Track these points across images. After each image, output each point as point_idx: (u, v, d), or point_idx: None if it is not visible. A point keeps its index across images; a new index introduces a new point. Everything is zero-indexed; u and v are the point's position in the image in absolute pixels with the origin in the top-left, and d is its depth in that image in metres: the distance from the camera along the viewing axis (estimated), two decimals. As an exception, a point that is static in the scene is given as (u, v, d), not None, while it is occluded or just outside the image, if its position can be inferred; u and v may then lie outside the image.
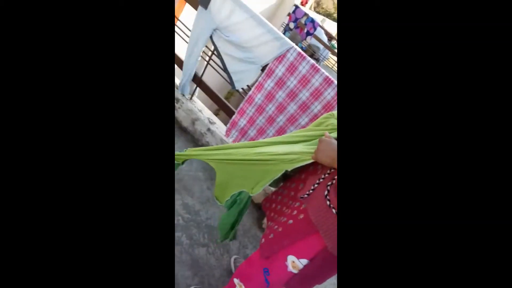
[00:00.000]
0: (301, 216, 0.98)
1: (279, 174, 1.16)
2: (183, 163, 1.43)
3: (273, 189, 2.01)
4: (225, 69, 1.99)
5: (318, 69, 1.70)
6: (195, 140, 2.19)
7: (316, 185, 0.92)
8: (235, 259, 1.58)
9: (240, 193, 1.29)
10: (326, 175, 0.91)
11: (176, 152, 1.35)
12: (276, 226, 1.14)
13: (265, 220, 1.97)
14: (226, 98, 2.09)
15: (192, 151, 1.32)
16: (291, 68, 1.79)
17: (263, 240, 1.15)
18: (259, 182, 1.22)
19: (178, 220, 1.60)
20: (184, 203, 1.70)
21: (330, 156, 0.85)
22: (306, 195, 0.93)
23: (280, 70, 1.81)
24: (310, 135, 1.11)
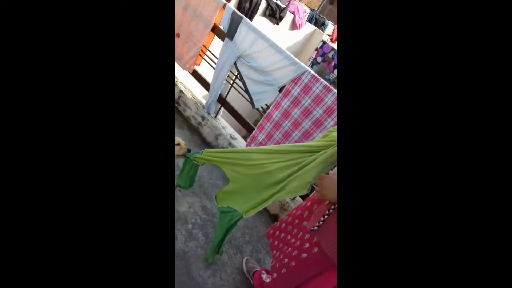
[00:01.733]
0: (315, 249, 0.97)
1: (269, 202, 1.29)
2: (202, 164, 1.62)
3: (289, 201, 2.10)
4: (246, 90, 2.25)
5: (331, 89, 1.88)
6: (217, 154, 2.41)
7: (326, 216, 0.89)
8: (246, 260, 1.66)
9: (235, 210, 1.42)
10: (335, 206, 0.88)
11: (195, 154, 1.56)
12: (286, 260, 1.17)
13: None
14: (255, 123, 2.30)
15: (209, 153, 1.51)
16: (306, 89, 1.98)
17: (275, 275, 1.19)
18: (256, 207, 1.36)
19: (196, 219, 1.75)
20: (203, 205, 1.86)
21: (335, 191, 0.84)
22: (316, 227, 0.90)
23: (295, 91, 2.02)
24: (317, 145, 1.18)
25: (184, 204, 1.79)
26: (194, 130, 2.52)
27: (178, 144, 1.74)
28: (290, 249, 1.21)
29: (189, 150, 1.72)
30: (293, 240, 1.22)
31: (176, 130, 2.38)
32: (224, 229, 1.45)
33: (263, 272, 1.55)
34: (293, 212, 1.36)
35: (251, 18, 3.69)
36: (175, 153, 1.73)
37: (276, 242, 1.34)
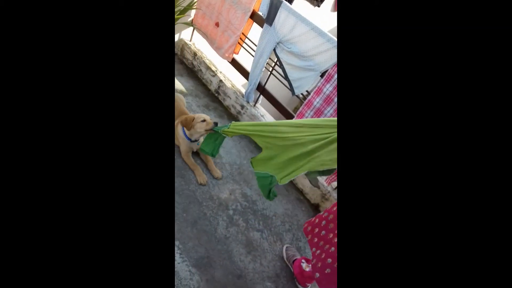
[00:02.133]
0: None
1: (303, 171, 1.30)
2: (231, 136, 1.63)
3: (325, 178, 2.06)
4: (286, 77, 2.19)
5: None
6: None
7: None
8: (287, 248, 1.66)
9: (272, 176, 1.47)
10: None
11: (223, 128, 1.58)
12: (330, 260, 1.16)
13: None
14: (294, 111, 2.26)
15: (236, 126, 1.51)
16: (349, 73, 1.87)
17: (317, 274, 1.20)
18: (290, 175, 1.37)
19: (237, 205, 1.79)
20: (243, 193, 1.89)
21: None
22: None
23: (338, 75, 1.91)
24: None
25: (225, 191, 1.84)
26: (234, 119, 2.55)
27: (204, 120, 1.79)
28: (333, 248, 1.19)
29: (216, 124, 1.76)
30: (335, 240, 1.19)
31: (217, 119, 2.44)
32: (267, 190, 1.53)
33: (303, 260, 1.53)
34: (329, 208, 1.32)
35: (290, 1, 3.56)
36: (203, 128, 1.80)
37: (316, 240, 1.31)
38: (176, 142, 1.95)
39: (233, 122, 1.52)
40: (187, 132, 1.84)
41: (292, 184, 2.19)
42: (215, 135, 1.71)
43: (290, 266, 1.59)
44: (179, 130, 1.90)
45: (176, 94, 2.19)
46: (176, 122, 1.94)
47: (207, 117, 1.80)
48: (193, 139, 1.88)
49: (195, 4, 2.63)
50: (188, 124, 1.79)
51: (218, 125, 1.74)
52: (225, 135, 1.61)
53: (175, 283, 1.29)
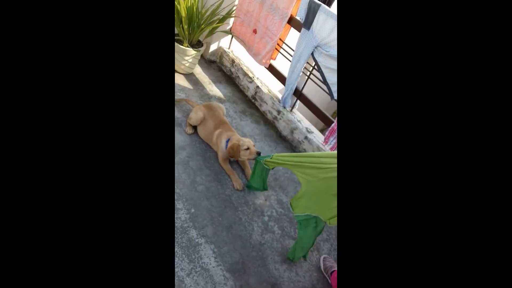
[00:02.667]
0: None
1: None
2: (272, 168, 1.62)
3: None
4: (324, 81, 2.13)
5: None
6: (293, 147, 2.37)
7: None
8: (324, 258, 1.59)
9: (315, 217, 1.35)
10: None
11: (265, 158, 1.57)
12: None
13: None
14: (333, 116, 2.19)
15: (279, 157, 1.49)
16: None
17: None
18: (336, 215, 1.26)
19: (272, 212, 1.76)
20: (279, 199, 1.86)
21: None
22: None
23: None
24: None
25: (261, 197, 1.83)
26: (270, 125, 2.55)
27: (248, 149, 1.78)
28: None
29: (258, 154, 1.75)
30: None
31: (253, 125, 2.45)
32: (312, 237, 1.40)
33: None
34: None
35: (329, 4, 3.49)
36: (246, 157, 1.81)
37: None
38: (214, 148, 2.00)
39: (275, 153, 1.51)
40: (228, 149, 1.84)
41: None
42: (259, 169, 1.70)
43: (327, 278, 1.52)
44: (222, 141, 1.93)
45: (215, 103, 2.25)
46: (217, 132, 1.98)
47: (251, 145, 1.80)
48: (233, 159, 1.93)
49: (234, 12, 2.70)
50: (236, 154, 1.80)
51: (261, 153, 1.76)
52: (267, 167, 1.60)
53: None
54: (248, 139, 1.86)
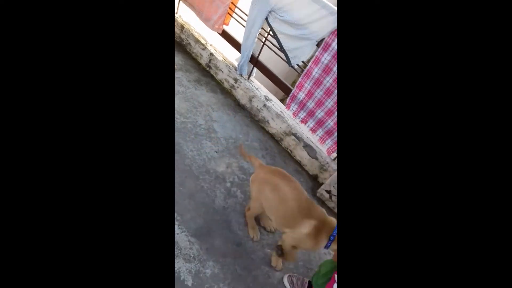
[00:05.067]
0: None
1: None
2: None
3: (325, 149, 1.99)
4: (281, 48, 2.12)
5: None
6: (252, 116, 2.37)
7: None
8: (288, 276, 1.59)
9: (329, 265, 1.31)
10: None
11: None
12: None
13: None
14: (293, 85, 2.19)
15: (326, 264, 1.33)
16: (347, 40, 1.81)
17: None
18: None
19: (234, 178, 1.78)
20: (240, 166, 1.87)
21: None
22: None
23: (336, 44, 1.84)
24: None
25: (222, 165, 1.82)
26: (227, 93, 2.49)
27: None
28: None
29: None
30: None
31: (209, 94, 2.37)
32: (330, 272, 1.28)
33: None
34: None
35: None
36: (312, 247, 1.31)
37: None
38: (305, 247, 1.38)
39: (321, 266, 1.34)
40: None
41: (290, 156, 2.18)
42: (326, 269, 1.34)
43: None
44: (322, 240, 1.30)
45: (303, 192, 1.46)
46: (308, 228, 1.30)
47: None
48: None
49: (182, -29, 2.48)
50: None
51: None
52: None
53: (175, 253, 1.29)
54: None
